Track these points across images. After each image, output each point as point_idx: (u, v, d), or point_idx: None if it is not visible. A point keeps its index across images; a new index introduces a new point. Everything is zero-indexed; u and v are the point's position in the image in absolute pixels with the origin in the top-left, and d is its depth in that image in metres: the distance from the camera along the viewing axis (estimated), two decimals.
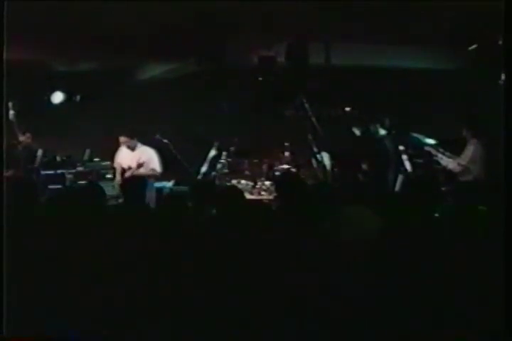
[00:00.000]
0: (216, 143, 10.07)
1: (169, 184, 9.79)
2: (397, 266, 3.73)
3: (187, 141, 10.36)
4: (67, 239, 3.98)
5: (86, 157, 10.15)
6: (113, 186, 8.72)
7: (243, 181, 9.81)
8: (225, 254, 3.87)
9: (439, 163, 8.33)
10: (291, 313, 3.63)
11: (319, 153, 9.66)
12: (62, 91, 10.74)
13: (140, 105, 10.68)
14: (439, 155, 8.28)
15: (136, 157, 8.85)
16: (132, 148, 8.90)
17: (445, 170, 8.21)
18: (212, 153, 10.04)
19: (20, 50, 7.51)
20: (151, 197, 7.54)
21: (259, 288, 3.69)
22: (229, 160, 10.06)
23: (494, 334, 3.55)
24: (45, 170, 9.30)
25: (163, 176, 9.24)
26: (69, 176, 9.62)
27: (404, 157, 8.94)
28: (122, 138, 8.88)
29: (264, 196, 9.31)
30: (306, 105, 9.62)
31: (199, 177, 9.76)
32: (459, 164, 8.07)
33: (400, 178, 8.78)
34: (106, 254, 3.91)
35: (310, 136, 9.62)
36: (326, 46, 9.72)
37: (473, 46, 9.09)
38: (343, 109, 10.55)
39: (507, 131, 4.10)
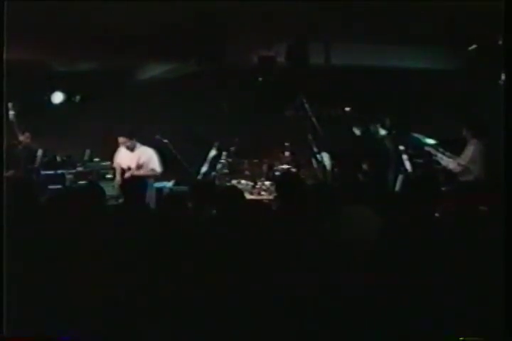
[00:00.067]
0: (216, 143, 10.07)
1: (169, 184, 9.79)
2: (397, 266, 3.74)
3: (187, 141, 10.36)
4: (67, 239, 3.99)
5: (86, 157, 10.14)
6: (113, 186, 8.72)
7: (243, 181, 9.81)
8: (225, 254, 3.87)
9: (439, 163, 8.32)
10: (291, 313, 3.63)
11: (319, 153, 9.66)
12: (62, 91, 10.75)
13: (140, 105, 10.68)
14: (439, 155, 8.27)
15: (135, 157, 8.83)
16: (131, 149, 8.86)
17: (445, 170, 8.21)
18: (212, 153, 10.05)
19: (20, 50, 7.50)
20: (151, 197, 7.55)
21: (259, 288, 3.69)
22: (229, 160, 10.06)
23: (494, 334, 3.55)
24: (45, 170, 9.30)
25: (163, 176, 9.23)
26: (69, 176, 9.62)
27: (404, 157, 8.94)
28: (121, 139, 8.85)
29: (264, 196, 9.31)
30: (306, 105, 9.61)
31: (199, 177, 9.76)
32: (459, 164, 8.07)
33: (400, 178, 8.77)
34: (106, 254, 3.91)
35: (310, 136, 9.61)
36: (326, 46, 9.72)
37: (473, 46, 9.08)
38: (343, 109, 10.55)
39: (507, 131, 4.10)
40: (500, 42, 6.26)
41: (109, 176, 9.57)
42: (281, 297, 3.66)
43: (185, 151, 9.77)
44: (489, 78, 8.25)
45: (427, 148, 8.53)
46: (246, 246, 3.92)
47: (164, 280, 3.78)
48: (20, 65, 7.66)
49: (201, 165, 9.95)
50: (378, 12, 7.67)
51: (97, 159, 10.16)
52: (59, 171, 9.59)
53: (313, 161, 9.78)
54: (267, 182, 9.64)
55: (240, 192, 5.34)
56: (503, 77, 4.71)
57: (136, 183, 5.70)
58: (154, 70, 11.11)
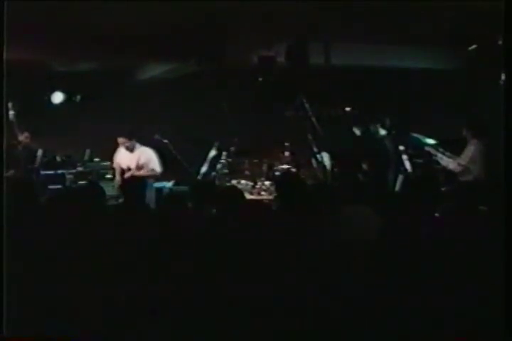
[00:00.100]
0: (216, 143, 10.07)
1: (169, 184, 9.79)
2: (397, 266, 3.73)
3: (187, 141, 10.35)
4: (67, 239, 3.99)
5: (86, 157, 10.14)
6: (113, 186, 8.72)
7: (243, 181, 9.81)
8: (225, 254, 3.87)
9: (439, 163, 8.32)
10: (291, 313, 3.63)
11: (319, 153, 9.65)
12: (62, 91, 10.75)
13: (140, 105, 10.68)
14: (439, 155, 8.27)
15: (135, 158, 8.80)
16: (131, 149, 8.81)
17: (445, 170, 8.21)
18: (212, 153, 10.04)
19: (20, 50, 7.50)
20: (151, 197, 7.55)
21: (259, 288, 3.69)
22: (229, 160, 10.06)
23: (494, 334, 3.55)
24: (45, 170, 9.30)
25: (163, 176, 9.22)
26: (69, 176, 9.62)
27: (404, 157, 8.93)
28: (121, 140, 8.81)
29: (264, 196, 9.31)
30: (306, 105, 9.61)
31: (199, 177, 9.76)
32: (459, 164, 8.06)
33: (400, 178, 8.77)
34: (106, 254, 3.91)
35: (310, 136, 9.61)
36: (326, 46, 9.72)
37: (473, 46, 9.09)
38: (343, 109, 10.55)
39: (507, 131, 4.10)
40: (500, 42, 6.26)
41: (109, 176, 9.57)
42: (281, 297, 3.66)
43: (185, 151, 9.77)
44: (489, 78, 8.25)
45: (426, 148, 8.53)
46: (246, 246, 3.91)
47: (164, 281, 3.77)
48: (20, 65, 7.67)
49: (201, 165, 9.95)
50: (378, 12, 7.67)
51: (97, 159, 10.16)
52: (59, 171, 9.59)
53: (313, 161, 9.77)
54: (267, 182, 9.63)
55: (240, 192, 5.34)
56: (503, 77, 4.71)
57: (135, 183, 5.70)
58: (154, 70, 11.12)
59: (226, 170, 10.00)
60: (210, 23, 8.19)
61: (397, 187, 8.57)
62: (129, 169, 8.76)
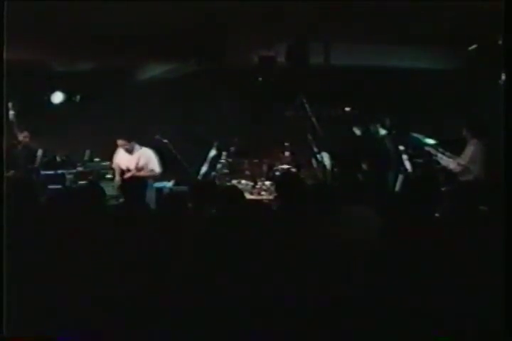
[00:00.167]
0: (216, 143, 10.07)
1: (169, 184, 9.79)
2: (397, 266, 3.73)
3: (187, 141, 10.36)
4: (67, 239, 3.99)
5: (86, 157, 10.14)
6: (113, 186, 8.70)
7: (243, 181, 9.82)
8: (225, 254, 3.87)
9: (439, 163, 8.32)
10: (291, 313, 3.63)
11: (319, 153, 9.66)
12: (62, 91, 10.75)
13: (140, 105, 10.68)
14: (439, 155, 8.27)
15: (134, 160, 8.74)
16: (130, 151, 8.75)
17: (445, 170, 8.21)
18: (212, 153, 10.05)
19: (20, 50, 7.51)
20: (151, 197, 7.54)
21: (259, 288, 3.69)
22: (229, 160, 10.07)
23: (494, 334, 3.55)
24: (45, 170, 9.30)
25: (163, 176, 9.21)
26: (69, 176, 9.62)
27: (404, 157, 8.94)
28: (120, 142, 8.75)
29: (264, 196, 9.31)
30: (306, 105, 9.62)
31: (199, 177, 9.76)
32: (459, 164, 8.06)
33: (400, 178, 8.77)
34: (106, 254, 3.91)
35: (310, 136, 9.62)
36: (326, 46, 9.73)
37: (473, 46, 9.08)
38: (343, 109, 10.56)
39: (507, 131, 4.10)
40: (500, 42, 6.26)
41: (109, 176, 9.57)
42: (281, 297, 3.66)
43: (185, 151, 9.77)
44: (489, 78, 8.25)
45: (427, 148, 8.53)
46: (246, 246, 3.91)
47: (164, 280, 3.78)
48: (20, 65, 7.67)
49: (201, 165, 9.95)
50: (378, 12, 7.67)
51: (97, 159, 10.15)
52: (59, 171, 9.59)
53: (313, 161, 9.78)
54: (267, 182, 9.64)
55: (240, 192, 5.35)
56: (503, 77, 4.72)
57: (135, 183, 5.70)
58: (154, 70, 11.12)
59: (226, 170, 10.01)
60: (210, 23, 8.18)
61: (397, 187, 8.57)
62: (129, 170, 8.74)
